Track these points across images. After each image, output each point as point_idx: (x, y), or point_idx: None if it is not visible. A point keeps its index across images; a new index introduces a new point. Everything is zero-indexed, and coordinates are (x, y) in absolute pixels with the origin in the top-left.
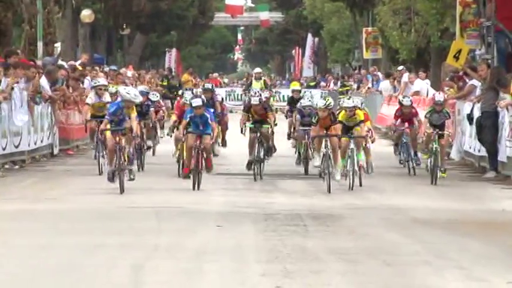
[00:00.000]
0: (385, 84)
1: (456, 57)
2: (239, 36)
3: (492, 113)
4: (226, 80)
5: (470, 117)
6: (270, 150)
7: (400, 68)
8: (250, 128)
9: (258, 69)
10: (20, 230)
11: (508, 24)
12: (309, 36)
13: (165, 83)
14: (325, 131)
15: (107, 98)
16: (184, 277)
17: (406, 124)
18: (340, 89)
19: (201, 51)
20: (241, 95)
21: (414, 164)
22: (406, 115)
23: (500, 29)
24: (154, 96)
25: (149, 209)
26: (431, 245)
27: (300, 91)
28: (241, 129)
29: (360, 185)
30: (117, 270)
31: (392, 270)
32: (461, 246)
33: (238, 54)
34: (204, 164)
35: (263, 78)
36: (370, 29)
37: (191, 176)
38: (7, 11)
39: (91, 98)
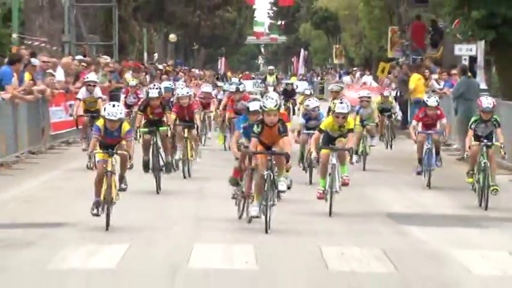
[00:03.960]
0: (346, 78)
1: (382, 71)
2: (262, 50)
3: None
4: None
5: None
6: (167, 165)
7: (355, 68)
8: (143, 134)
9: (271, 67)
10: None
11: (419, 44)
12: (302, 50)
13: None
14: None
15: (97, 93)
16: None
17: (432, 130)
18: (321, 81)
19: (240, 59)
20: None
21: (435, 165)
22: (430, 117)
23: (414, 47)
24: (208, 88)
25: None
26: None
27: (292, 84)
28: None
29: (330, 213)
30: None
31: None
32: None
33: (260, 60)
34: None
35: (275, 73)
36: (337, 45)
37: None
38: (125, 34)
39: (82, 93)
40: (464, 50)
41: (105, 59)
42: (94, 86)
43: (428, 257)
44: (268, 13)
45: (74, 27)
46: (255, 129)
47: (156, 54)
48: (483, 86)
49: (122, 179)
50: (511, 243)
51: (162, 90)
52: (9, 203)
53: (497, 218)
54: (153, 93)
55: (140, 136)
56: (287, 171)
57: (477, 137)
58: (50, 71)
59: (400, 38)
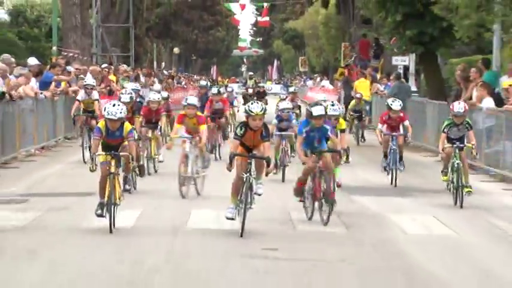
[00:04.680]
0: (309, 82)
1: (340, 75)
2: (244, 60)
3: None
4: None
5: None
6: (140, 169)
7: (316, 75)
8: None
9: (251, 73)
10: None
11: (365, 56)
12: (275, 60)
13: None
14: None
15: (95, 95)
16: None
17: (396, 132)
18: (290, 85)
19: (227, 67)
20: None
21: (398, 169)
22: (394, 120)
23: (362, 58)
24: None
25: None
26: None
27: (264, 86)
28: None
29: (326, 223)
30: None
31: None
32: None
33: (243, 68)
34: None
35: (254, 78)
36: (303, 57)
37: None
38: (140, 47)
39: (81, 96)
40: (399, 61)
41: (123, 66)
42: (92, 89)
43: (372, 219)
44: (250, 32)
45: (100, 42)
46: (238, 131)
47: (163, 63)
48: (414, 88)
49: (125, 180)
50: (435, 209)
51: (133, 95)
52: (49, 177)
53: (426, 189)
54: (125, 98)
55: None
56: (266, 175)
57: (449, 140)
58: (81, 76)
59: (350, 51)
